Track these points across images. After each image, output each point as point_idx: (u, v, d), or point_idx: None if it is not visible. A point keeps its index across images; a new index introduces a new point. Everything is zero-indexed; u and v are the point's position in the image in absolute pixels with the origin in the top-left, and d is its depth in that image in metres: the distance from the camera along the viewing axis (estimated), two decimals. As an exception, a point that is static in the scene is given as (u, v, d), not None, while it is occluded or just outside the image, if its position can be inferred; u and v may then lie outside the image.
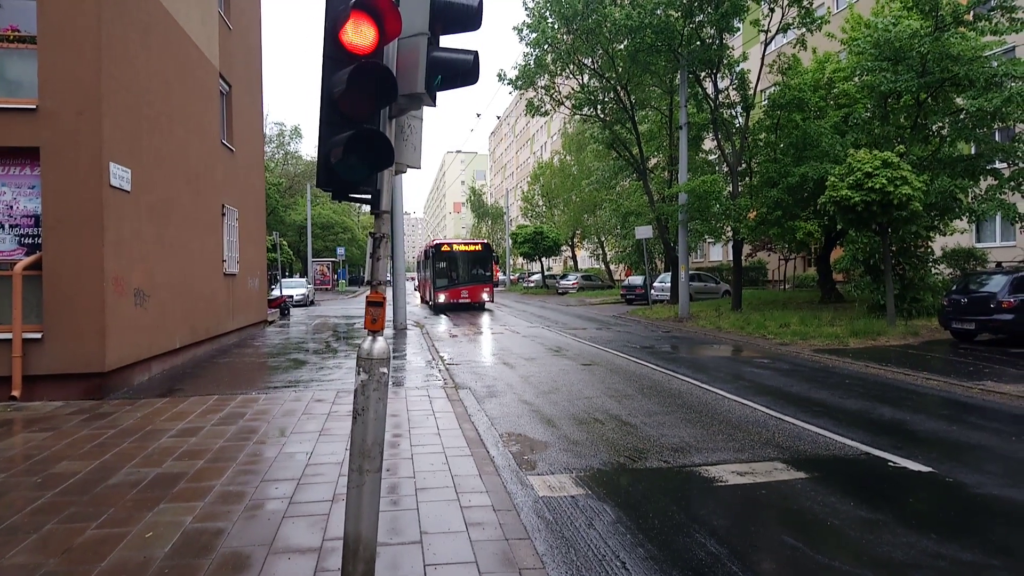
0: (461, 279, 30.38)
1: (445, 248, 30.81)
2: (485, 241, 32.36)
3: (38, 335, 9.28)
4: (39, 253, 9.40)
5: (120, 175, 9.95)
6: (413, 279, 76.86)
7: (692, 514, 5.19)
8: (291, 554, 4.33)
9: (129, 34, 10.48)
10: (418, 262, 44.22)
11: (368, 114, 3.47)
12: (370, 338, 3.59)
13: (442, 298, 29.96)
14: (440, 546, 4.43)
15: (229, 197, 16.10)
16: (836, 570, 4.25)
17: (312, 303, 36.74)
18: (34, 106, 9.27)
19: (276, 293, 29.05)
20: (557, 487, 5.87)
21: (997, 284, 14.19)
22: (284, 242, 42.40)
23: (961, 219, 18.71)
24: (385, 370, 3.59)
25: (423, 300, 37.54)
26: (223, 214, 15.57)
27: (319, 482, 5.73)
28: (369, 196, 3.62)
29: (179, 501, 5.29)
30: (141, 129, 10.90)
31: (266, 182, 25.70)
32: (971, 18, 17.77)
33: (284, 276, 39.66)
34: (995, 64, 17.46)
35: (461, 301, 30.17)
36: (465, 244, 31.56)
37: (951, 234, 20.41)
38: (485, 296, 30.76)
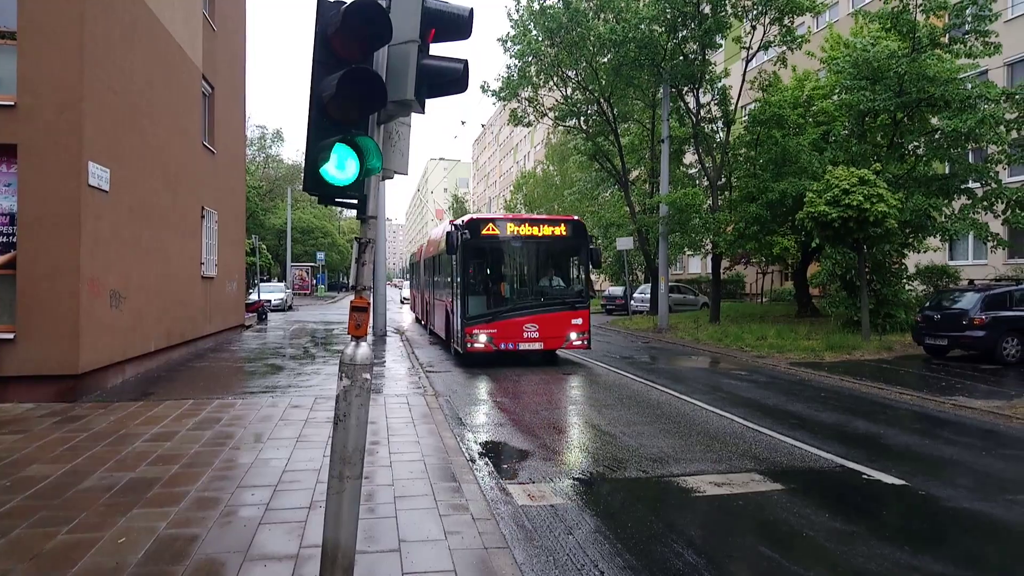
0: (524, 298, 14.62)
1: (490, 230, 14.52)
2: (575, 218, 15.67)
3: (10, 335, 9.09)
4: (13, 252, 9.22)
5: (99, 175, 9.81)
6: (396, 286, 73.71)
7: (670, 524, 5.22)
8: (267, 561, 4.28)
9: (112, 33, 10.37)
10: (414, 264, 28.77)
11: (357, 119, 3.48)
12: (353, 344, 3.58)
13: (482, 338, 14.01)
14: (418, 554, 4.41)
15: (209, 199, 15.94)
16: (811, 581, 4.29)
17: (290, 308, 36.43)
18: (12, 103, 9.12)
19: (254, 297, 28.74)
20: (537, 496, 5.87)
21: (969, 301, 14.48)
22: (263, 246, 42.00)
23: (934, 237, 19.07)
24: (368, 376, 3.57)
25: (422, 323, 24.33)
26: (202, 216, 15.41)
27: (296, 489, 5.68)
28: (355, 200, 3.62)
29: (153, 506, 5.21)
30: (122, 129, 10.77)
31: (246, 185, 25.47)
32: (947, 41, 18.19)
33: (262, 280, 39.25)
34: (969, 86, 17.89)
35: (523, 346, 14.19)
36: (534, 223, 15.01)
37: (925, 251, 20.80)
38: (574, 336, 14.52)
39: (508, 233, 14.57)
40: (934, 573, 4.38)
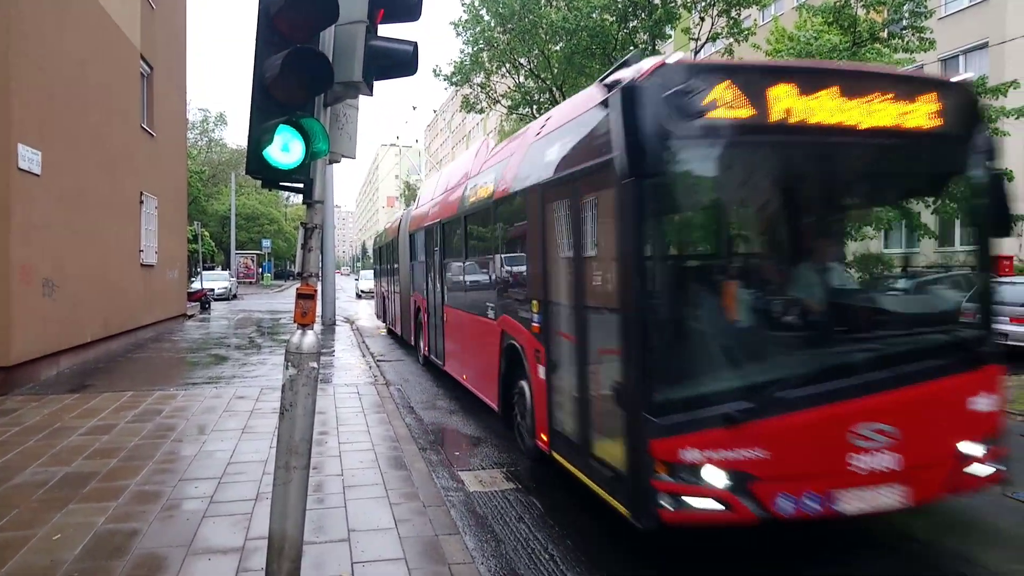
0: (838, 334, 4.31)
1: (738, 106, 3.70)
2: (955, 80, 4.44)
3: (-68, 326, 8.64)
4: (-65, 238, 8.75)
5: (29, 157, 9.36)
6: (344, 274, 70.45)
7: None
8: (211, 554, 4.18)
9: (43, 9, 9.88)
10: (388, 244, 16.48)
11: (302, 101, 3.38)
12: (300, 332, 3.50)
13: (718, 479, 3.75)
14: (368, 543, 4.37)
15: (148, 184, 15.39)
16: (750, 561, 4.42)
17: (235, 297, 35.57)
18: (-69, 79, 8.63)
19: (196, 286, 27.93)
20: (488, 482, 5.89)
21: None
22: (206, 233, 40.75)
23: (870, 226, 19.78)
24: (315, 365, 3.50)
25: (417, 342, 13.13)
26: (141, 202, 14.87)
27: (241, 481, 5.55)
28: (301, 184, 3.53)
29: (90, 501, 5.02)
30: (54, 110, 10.28)
31: (188, 170, 24.66)
32: (886, 35, 18.80)
33: (206, 268, 38.15)
34: (906, 81, 18.53)
35: (851, 505, 3.82)
36: (855, 89, 3.96)
37: (861, 239, 21.55)
38: (976, 451, 4.12)
39: (782, 117, 3.99)
40: (869, 548, 4.54)
